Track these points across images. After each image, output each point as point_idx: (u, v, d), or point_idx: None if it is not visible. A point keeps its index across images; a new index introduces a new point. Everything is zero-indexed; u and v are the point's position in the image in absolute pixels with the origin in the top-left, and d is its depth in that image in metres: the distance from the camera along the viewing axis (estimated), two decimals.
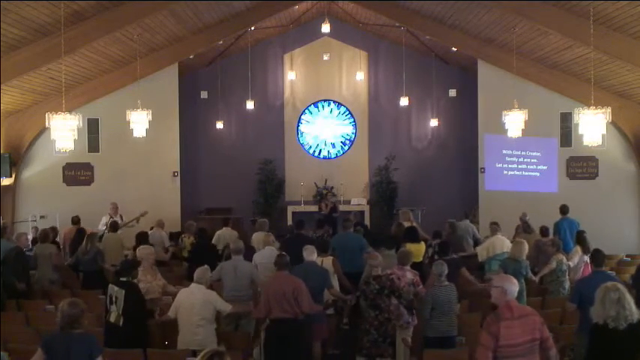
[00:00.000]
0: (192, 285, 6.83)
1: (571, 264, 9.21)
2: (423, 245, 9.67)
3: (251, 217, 15.40)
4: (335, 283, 8.22)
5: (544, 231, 10.82)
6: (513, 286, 4.94)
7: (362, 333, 6.94)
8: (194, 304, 6.59)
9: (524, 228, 11.42)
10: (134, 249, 10.05)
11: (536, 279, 8.80)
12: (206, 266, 7.08)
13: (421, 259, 9.50)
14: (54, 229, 12.07)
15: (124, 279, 6.70)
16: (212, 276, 7.46)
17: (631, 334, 4.77)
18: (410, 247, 9.41)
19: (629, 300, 4.84)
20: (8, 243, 9.89)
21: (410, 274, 7.66)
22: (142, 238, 10.15)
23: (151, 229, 12.25)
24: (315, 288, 7.11)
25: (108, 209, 13.10)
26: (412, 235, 9.71)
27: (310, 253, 7.65)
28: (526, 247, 8.54)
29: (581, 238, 9.62)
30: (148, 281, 7.51)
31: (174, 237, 12.93)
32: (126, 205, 13.45)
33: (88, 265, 10.02)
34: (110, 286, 6.71)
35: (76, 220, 12.26)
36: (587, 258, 9.25)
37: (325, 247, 8.81)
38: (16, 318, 7.91)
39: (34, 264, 10.04)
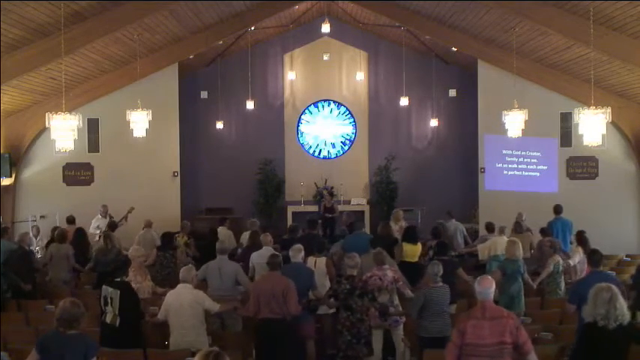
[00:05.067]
0: (180, 286, 6.82)
1: (571, 262, 9.20)
2: (419, 246, 9.69)
3: (251, 217, 15.40)
4: (327, 283, 8.23)
5: (545, 231, 10.82)
6: (486, 287, 4.96)
7: (336, 334, 6.95)
8: (182, 305, 6.58)
9: (515, 228, 11.43)
10: (158, 249, 10.06)
11: (534, 285, 8.78)
12: (190, 265, 7.15)
13: (417, 259, 9.52)
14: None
15: (117, 279, 6.69)
16: (197, 275, 7.47)
17: (619, 334, 4.77)
18: (406, 247, 9.44)
19: (622, 301, 4.84)
20: (9, 243, 9.87)
21: (390, 273, 7.66)
22: (168, 239, 10.12)
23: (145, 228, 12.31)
24: (301, 289, 7.12)
25: (99, 211, 13.13)
26: (410, 236, 9.73)
27: (297, 254, 7.64)
28: (520, 246, 8.54)
29: (582, 239, 9.58)
30: (139, 282, 7.53)
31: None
32: (126, 205, 13.43)
33: (107, 265, 9.50)
34: (104, 287, 6.68)
35: (71, 220, 12.21)
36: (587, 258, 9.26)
37: (321, 247, 8.81)
38: (16, 318, 7.93)
39: (49, 264, 10.01)
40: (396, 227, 11.26)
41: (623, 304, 4.83)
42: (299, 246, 7.78)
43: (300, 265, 7.68)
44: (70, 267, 10.07)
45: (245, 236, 11.05)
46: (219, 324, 7.62)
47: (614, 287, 4.92)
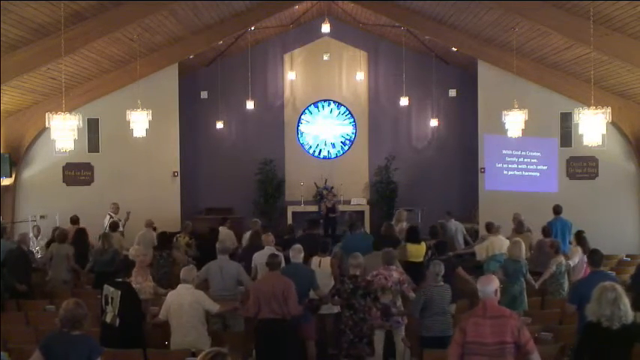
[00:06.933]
0: (180, 286, 6.83)
1: (571, 263, 9.21)
2: (423, 246, 9.69)
3: (251, 217, 15.41)
4: (332, 283, 8.22)
5: (546, 231, 10.83)
6: (488, 286, 4.95)
7: (339, 334, 6.96)
8: (183, 305, 6.59)
9: (517, 228, 11.42)
10: (154, 249, 10.07)
11: (536, 285, 8.78)
12: (191, 265, 7.17)
13: (422, 259, 9.50)
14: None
15: (119, 279, 6.69)
16: (199, 276, 7.45)
17: (623, 334, 4.76)
18: (410, 247, 9.43)
19: (625, 301, 4.81)
20: (8, 243, 9.88)
21: (396, 274, 7.65)
22: (165, 238, 10.14)
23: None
24: (302, 289, 7.10)
25: (109, 209, 13.15)
26: (413, 236, 9.73)
27: (297, 254, 7.62)
28: (523, 246, 8.54)
29: (581, 239, 9.61)
30: (139, 282, 7.50)
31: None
32: (126, 205, 13.44)
33: (105, 265, 9.65)
34: (105, 286, 6.68)
35: (74, 220, 12.23)
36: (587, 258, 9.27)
37: (325, 247, 8.80)
38: (16, 318, 7.92)
39: (48, 263, 10.03)
40: (397, 228, 11.24)
41: (627, 304, 4.81)
42: (299, 246, 7.76)
43: (300, 266, 7.66)
44: (69, 267, 10.09)
45: (246, 236, 11.05)
46: (221, 324, 7.61)
47: (618, 287, 4.90)
